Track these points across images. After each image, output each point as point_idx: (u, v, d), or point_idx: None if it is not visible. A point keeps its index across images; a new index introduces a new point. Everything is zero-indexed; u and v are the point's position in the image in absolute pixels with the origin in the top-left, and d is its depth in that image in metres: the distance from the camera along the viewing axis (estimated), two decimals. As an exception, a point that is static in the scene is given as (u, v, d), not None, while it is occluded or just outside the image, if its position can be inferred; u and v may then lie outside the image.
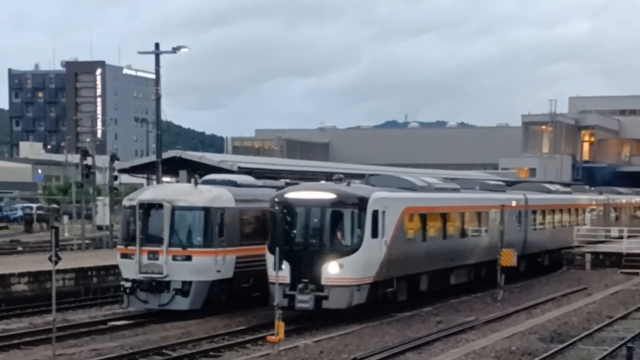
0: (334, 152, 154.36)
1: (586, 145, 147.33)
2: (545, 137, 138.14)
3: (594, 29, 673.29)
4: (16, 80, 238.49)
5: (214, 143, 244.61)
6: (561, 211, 63.49)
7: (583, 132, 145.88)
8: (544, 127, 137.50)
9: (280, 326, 27.52)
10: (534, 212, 57.68)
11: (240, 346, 30.59)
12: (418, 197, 41.90)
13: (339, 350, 30.23)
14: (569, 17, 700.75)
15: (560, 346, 30.82)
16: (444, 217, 44.42)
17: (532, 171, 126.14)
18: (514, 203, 53.38)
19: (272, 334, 27.95)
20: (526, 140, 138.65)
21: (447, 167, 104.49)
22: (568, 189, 69.83)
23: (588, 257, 59.36)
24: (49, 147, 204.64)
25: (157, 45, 58.13)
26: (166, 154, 56.50)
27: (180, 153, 57.21)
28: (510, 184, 63.94)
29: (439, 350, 30.54)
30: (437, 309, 41.29)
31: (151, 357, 28.02)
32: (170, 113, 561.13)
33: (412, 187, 42.08)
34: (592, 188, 80.00)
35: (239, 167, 52.08)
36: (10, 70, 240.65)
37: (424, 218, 41.86)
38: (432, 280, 43.18)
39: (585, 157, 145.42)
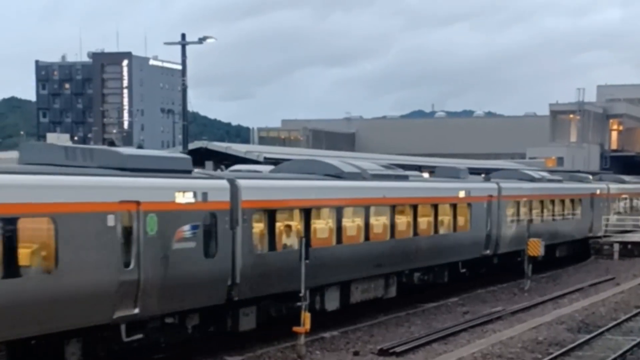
0: (360, 142, 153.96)
1: (614, 134, 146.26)
2: (573, 126, 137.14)
3: (625, 17, 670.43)
4: (43, 72, 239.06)
5: (240, 134, 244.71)
6: (396, 209, 36.83)
7: (611, 120, 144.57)
8: (571, 116, 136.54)
9: (306, 317, 27.44)
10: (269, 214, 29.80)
11: (265, 337, 30.42)
12: None
13: (365, 341, 30.24)
14: (600, 6, 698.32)
15: (588, 336, 30.66)
16: None
17: (560, 160, 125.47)
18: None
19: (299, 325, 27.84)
20: (554, 129, 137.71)
21: (475, 156, 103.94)
22: (419, 175, 43.43)
23: (616, 247, 59.07)
24: (75, 138, 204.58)
25: (183, 36, 58.41)
26: (192, 145, 56.64)
27: (206, 144, 57.28)
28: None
29: (465, 341, 30.50)
30: (463, 300, 41.23)
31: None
32: (197, 104, 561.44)
33: None
34: (484, 175, 53.95)
35: (265, 158, 52.02)
36: (37, 62, 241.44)
37: None
38: None
39: (614, 146, 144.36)
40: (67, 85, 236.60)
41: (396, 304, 37.56)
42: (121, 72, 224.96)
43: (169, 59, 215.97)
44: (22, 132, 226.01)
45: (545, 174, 58.03)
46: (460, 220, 42.78)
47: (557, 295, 42.36)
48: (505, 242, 47.04)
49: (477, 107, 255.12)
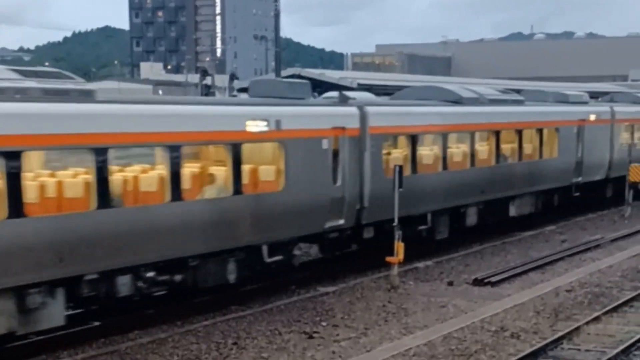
0: (456, 66, 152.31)
1: None
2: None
3: None
4: (136, 0, 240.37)
5: (334, 60, 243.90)
6: None
7: None
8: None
9: (399, 247, 27.03)
10: None
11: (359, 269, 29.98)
12: None
13: (460, 271, 29.78)
14: None
15: (691, 265, 29.85)
16: None
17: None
18: None
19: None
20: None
21: (575, 79, 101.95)
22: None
23: None
24: (169, 67, 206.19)
25: (274, -41, 58.02)
26: (285, 72, 56.65)
27: (299, 70, 57.22)
28: None
29: (562, 270, 29.92)
30: (561, 228, 40.40)
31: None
32: (290, 30, 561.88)
33: None
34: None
35: (359, 84, 51.61)
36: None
37: None
38: None
39: None
40: (160, 13, 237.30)
41: (494, 233, 36.90)
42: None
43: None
44: (116, 62, 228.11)
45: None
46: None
47: (659, 222, 41.34)
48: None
49: (578, 29, 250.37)
